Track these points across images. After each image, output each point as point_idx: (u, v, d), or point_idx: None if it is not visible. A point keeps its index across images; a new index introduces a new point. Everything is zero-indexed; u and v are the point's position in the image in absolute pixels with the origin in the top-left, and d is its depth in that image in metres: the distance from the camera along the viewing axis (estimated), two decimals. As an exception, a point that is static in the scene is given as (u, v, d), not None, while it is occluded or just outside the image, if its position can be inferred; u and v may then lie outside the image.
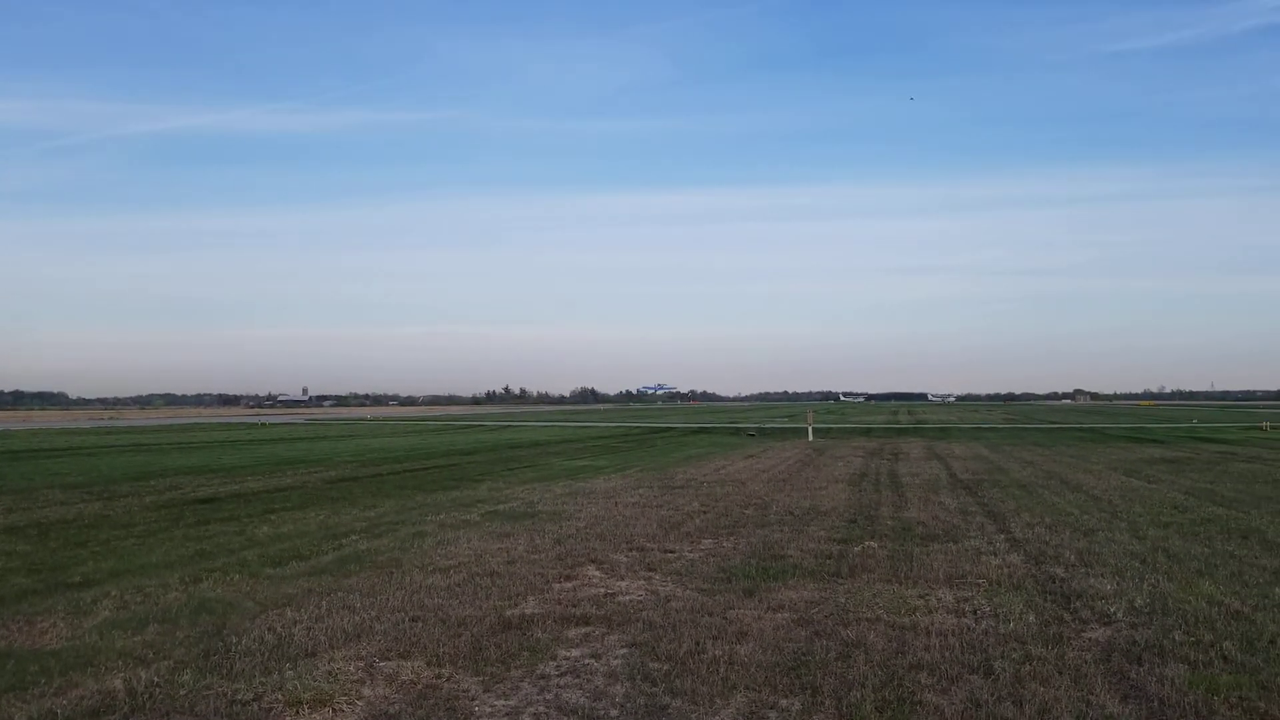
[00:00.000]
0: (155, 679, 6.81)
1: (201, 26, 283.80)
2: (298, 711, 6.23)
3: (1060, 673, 6.89)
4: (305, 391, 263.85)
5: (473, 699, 6.46)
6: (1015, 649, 7.51)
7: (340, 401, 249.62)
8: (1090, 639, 7.85)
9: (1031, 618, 8.54)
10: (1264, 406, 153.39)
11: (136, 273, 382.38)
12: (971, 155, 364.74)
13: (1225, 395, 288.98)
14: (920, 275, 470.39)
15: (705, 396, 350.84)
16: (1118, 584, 9.98)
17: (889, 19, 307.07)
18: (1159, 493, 19.33)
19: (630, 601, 9.37)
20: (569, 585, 10.19)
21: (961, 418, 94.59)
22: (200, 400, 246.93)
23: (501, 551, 12.28)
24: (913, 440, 44.58)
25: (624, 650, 7.60)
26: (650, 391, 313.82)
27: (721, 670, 6.98)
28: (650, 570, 11.05)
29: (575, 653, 7.56)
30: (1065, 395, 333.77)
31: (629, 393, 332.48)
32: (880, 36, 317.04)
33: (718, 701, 6.36)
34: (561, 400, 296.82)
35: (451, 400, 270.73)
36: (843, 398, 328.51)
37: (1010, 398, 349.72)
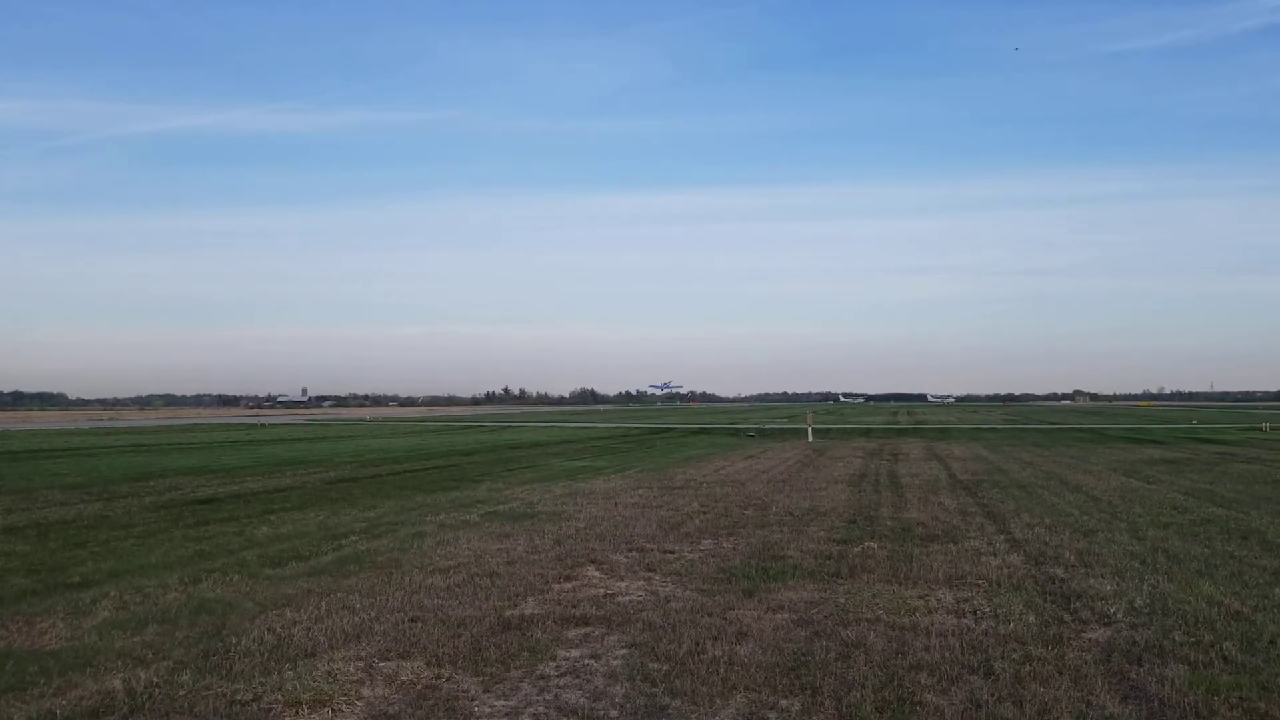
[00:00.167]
0: (154, 679, 6.81)
1: (201, 26, 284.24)
2: (297, 712, 6.23)
3: (1060, 673, 6.89)
4: (305, 392, 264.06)
5: (472, 699, 6.45)
6: (1015, 649, 7.51)
7: (340, 402, 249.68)
8: (1090, 639, 7.85)
9: (1031, 618, 8.54)
10: (1263, 407, 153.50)
11: (136, 273, 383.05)
12: (971, 155, 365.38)
13: (1225, 396, 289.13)
14: (920, 275, 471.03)
15: (705, 397, 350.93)
16: (1118, 584, 9.98)
17: (889, 19, 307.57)
18: (1158, 493, 19.33)
19: (630, 602, 9.36)
20: (569, 586, 10.19)
21: (961, 418, 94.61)
22: (200, 401, 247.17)
23: (501, 552, 12.28)
24: (912, 441, 44.58)
25: (624, 651, 7.59)
26: (658, 390, 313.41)
27: (721, 670, 6.98)
28: (650, 571, 11.05)
29: (575, 653, 7.55)
30: (1065, 396, 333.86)
31: (629, 393, 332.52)
32: (880, 36, 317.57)
33: (717, 702, 6.35)
34: (561, 401, 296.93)
35: (451, 401, 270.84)
36: (842, 398, 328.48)
37: (1010, 398, 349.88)
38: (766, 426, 66.81)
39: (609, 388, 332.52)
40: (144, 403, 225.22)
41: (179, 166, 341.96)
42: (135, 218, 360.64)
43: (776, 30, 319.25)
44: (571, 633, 8.19)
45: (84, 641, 7.94)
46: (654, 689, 6.61)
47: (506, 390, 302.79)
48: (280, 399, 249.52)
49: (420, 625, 8.38)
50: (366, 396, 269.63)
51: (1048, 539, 13.16)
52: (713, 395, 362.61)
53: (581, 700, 6.40)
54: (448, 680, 6.85)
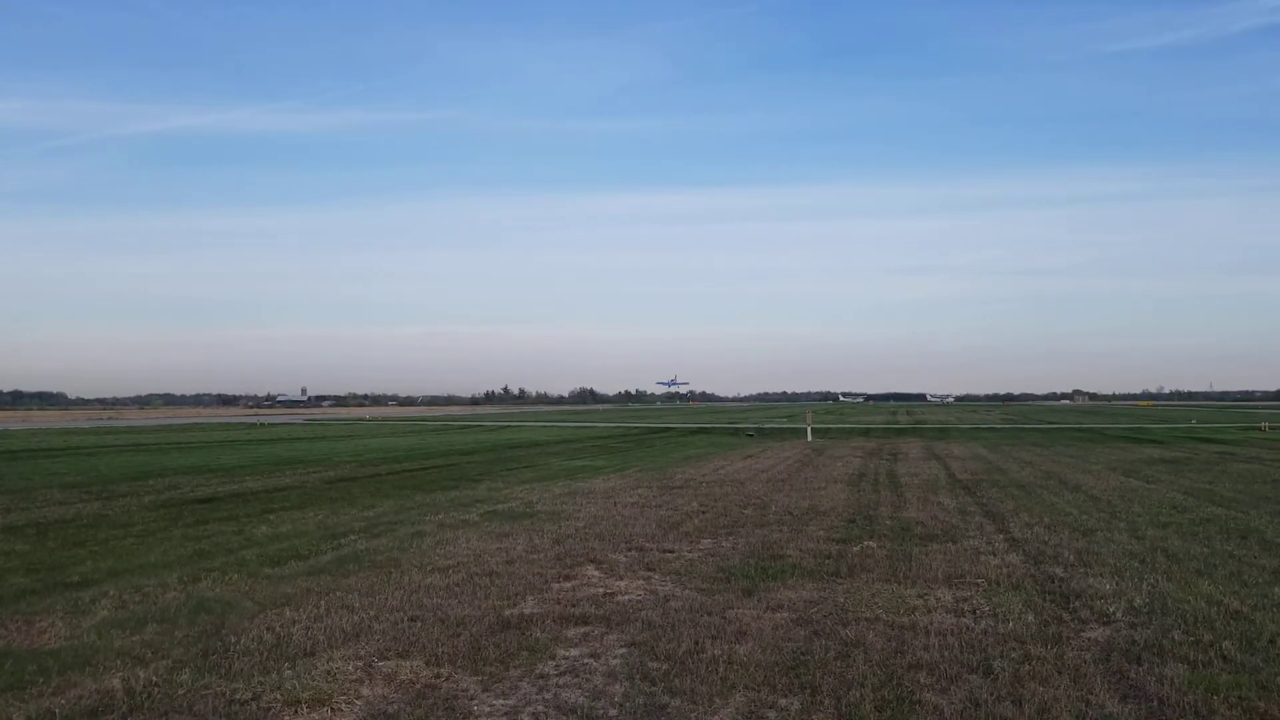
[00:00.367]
0: (153, 679, 6.81)
1: (201, 26, 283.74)
2: (296, 711, 6.22)
3: (1059, 672, 6.89)
4: (304, 391, 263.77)
5: (471, 698, 6.45)
6: (1014, 648, 7.51)
7: (339, 402, 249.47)
8: (1089, 639, 7.85)
9: (1030, 617, 8.54)
10: (1263, 407, 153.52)
11: (136, 273, 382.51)
12: (971, 155, 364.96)
13: (1224, 395, 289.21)
14: (920, 275, 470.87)
15: (704, 396, 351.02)
16: (1117, 584, 9.98)
17: (889, 19, 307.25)
18: (1158, 493, 19.33)
19: (629, 601, 9.37)
20: (568, 585, 10.19)
21: (960, 418, 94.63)
22: (199, 400, 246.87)
23: (500, 551, 12.28)
24: (911, 440, 44.59)
25: (623, 650, 7.59)
26: (666, 387, 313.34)
27: (720, 670, 6.98)
28: (649, 570, 11.05)
29: (574, 652, 7.56)
30: (1064, 395, 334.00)
31: (628, 393, 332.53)
32: (880, 36, 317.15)
33: (717, 701, 6.35)
34: (560, 400, 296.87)
35: (450, 400, 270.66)
36: (842, 398, 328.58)
37: (1009, 398, 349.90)
38: (766, 426, 66.82)
39: (608, 387, 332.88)
40: (143, 402, 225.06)
41: (179, 166, 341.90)
42: (135, 218, 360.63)
43: (776, 30, 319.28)
44: (571, 632, 8.19)
45: (83, 641, 7.94)
46: (653, 688, 6.61)
47: (506, 390, 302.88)
48: (280, 398, 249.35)
49: (419, 624, 8.38)
50: (366, 396, 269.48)
51: (1047, 538, 13.17)
52: (712, 395, 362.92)
53: (581, 699, 6.40)
54: (447, 679, 6.85)
